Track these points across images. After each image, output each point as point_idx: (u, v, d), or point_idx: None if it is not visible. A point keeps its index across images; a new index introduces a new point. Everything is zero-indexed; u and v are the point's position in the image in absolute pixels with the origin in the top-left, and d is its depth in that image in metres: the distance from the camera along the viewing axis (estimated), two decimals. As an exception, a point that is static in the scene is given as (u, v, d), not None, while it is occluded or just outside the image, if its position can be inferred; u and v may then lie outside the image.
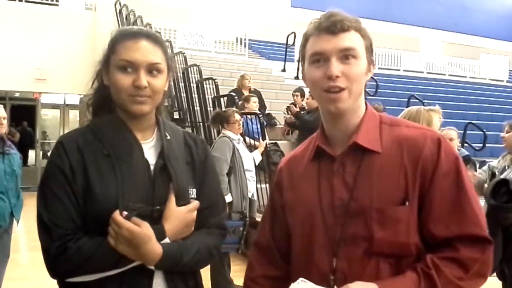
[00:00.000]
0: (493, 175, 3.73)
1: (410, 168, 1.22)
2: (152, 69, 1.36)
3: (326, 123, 1.34)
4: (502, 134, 4.06)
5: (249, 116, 6.52)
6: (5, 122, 4.16)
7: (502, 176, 3.49)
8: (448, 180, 1.21)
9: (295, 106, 7.76)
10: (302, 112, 7.38)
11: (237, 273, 4.61)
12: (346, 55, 1.23)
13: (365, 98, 1.36)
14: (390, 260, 1.21)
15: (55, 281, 1.39)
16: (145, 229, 1.29)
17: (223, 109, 5.90)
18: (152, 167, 1.39)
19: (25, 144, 15.01)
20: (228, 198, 4.54)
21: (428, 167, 1.21)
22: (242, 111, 6.57)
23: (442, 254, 1.18)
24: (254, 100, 6.70)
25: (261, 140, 6.10)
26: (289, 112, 7.77)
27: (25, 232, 6.78)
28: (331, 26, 1.24)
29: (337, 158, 1.29)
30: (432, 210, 1.21)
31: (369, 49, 1.29)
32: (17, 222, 4.27)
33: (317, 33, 1.26)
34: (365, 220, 1.22)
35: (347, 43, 1.23)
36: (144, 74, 1.34)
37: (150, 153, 1.42)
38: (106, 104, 1.44)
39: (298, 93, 8.05)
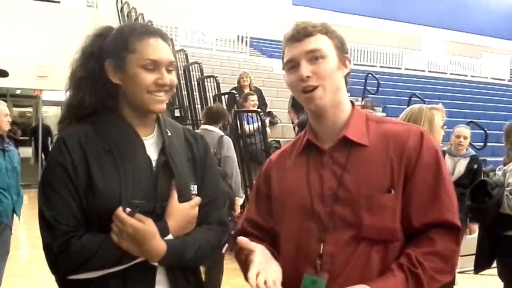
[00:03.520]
0: (486, 175, 3.75)
1: (395, 159, 1.33)
2: (170, 66, 1.39)
3: (312, 120, 1.44)
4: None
5: (249, 114, 6.51)
6: (5, 119, 4.16)
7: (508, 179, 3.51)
8: (429, 171, 1.32)
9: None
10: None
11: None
12: (313, 56, 1.35)
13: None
14: (378, 245, 1.30)
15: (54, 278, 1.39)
16: (149, 225, 1.29)
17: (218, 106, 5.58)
18: (154, 164, 1.40)
19: (45, 144, 14.32)
20: (242, 198, 4.58)
21: (412, 158, 1.32)
22: (244, 109, 6.58)
23: (422, 249, 1.28)
24: (252, 99, 6.63)
25: None
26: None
27: (25, 229, 6.79)
28: (296, 34, 1.37)
29: (326, 151, 1.38)
30: (413, 197, 1.31)
31: (341, 48, 1.40)
32: (19, 218, 4.28)
33: (288, 44, 1.39)
34: (354, 207, 1.31)
35: (312, 45, 1.35)
36: (165, 72, 1.37)
37: (151, 150, 1.42)
38: (108, 102, 1.42)
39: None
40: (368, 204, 1.30)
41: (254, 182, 1.63)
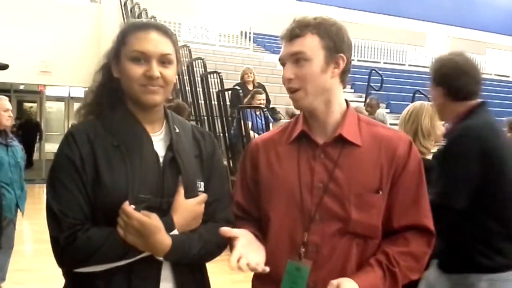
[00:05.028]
0: None
1: (385, 164, 1.39)
2: (163, 60, 1.38)
3: (306, 114, 1.47)
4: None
5: (253, 110, 6.51)
6: (5, 114, 4.16)
7: None
8: (413, 178, 1.41)
9: None
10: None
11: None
12: (296, 58, 1.38)
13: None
14: (359, 240, 1.38)
15: (59, 272, 1.40)
16: (154, 220, 1.29)
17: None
18: (161, 160, 1.40)
19: (32, 141, 14.17)
20: None
21: (400, 164, 1.39)
22: (247, 105, 6.58)
23: (398, 248, 1.38)
24: (259, 98, 6.64)
25: None
26: None
27: (29, 224, 6.82)
28: (287, 34, 1.40)
29: (320, 146, 1.42)
30: (396, 200, 1.40)
31: (332, 48, 1.38)
32: (22, 213, 4.30)
33: (282, 42, 1.43)
34: (343, 202, 1.37)
35: (296, 48, 1.37)
36: (156, 64, 1.36)
37: (159, 146, 1.43)
38: (116, 97, 1.44)
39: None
40: (358, 201, 1.36)
41: (238, 165, 1.64)
